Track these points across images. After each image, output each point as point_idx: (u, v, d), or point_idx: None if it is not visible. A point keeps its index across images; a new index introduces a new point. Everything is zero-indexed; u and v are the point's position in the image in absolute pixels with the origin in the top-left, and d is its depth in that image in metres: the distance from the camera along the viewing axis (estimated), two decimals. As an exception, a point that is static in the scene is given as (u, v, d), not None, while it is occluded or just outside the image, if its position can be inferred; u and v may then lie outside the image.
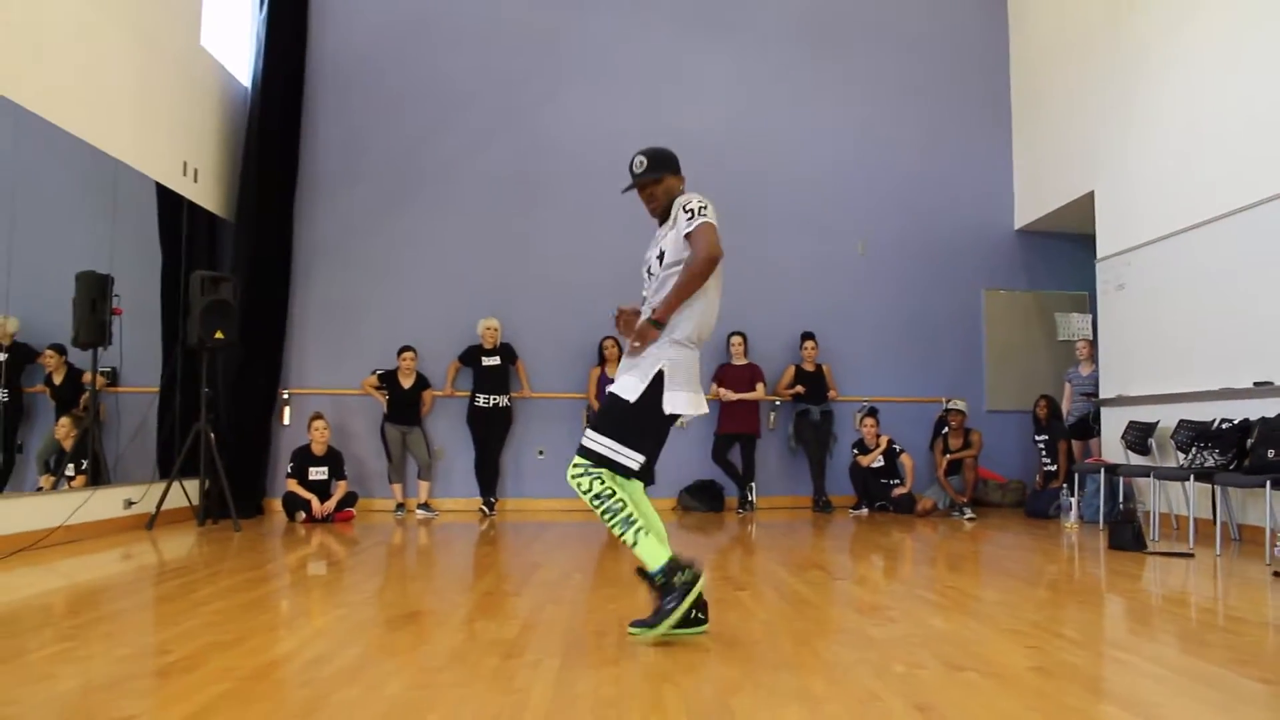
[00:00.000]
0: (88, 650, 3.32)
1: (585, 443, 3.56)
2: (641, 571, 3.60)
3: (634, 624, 3.60)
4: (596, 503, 3.51)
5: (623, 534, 3.50)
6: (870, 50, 10.88)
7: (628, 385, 3.57)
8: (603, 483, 3.52)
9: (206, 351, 7.80)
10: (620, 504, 3.50)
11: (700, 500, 9.83)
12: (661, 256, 3.67)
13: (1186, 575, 5.48)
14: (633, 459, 3.55)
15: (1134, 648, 3.55)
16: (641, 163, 3.72)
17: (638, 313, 3.75)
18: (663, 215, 3.77)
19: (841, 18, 10.88)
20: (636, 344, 3.61)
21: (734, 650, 3.40)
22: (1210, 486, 6.85)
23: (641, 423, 3.58)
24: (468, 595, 4.62)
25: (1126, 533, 6.52)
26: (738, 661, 3.24)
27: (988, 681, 2.97)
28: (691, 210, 3.61)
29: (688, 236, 3.59)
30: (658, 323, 3.58)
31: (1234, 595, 4.80)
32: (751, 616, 4.06)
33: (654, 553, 3.51)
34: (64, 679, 2.93)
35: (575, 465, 3.55)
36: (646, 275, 3.77)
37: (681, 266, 3.60)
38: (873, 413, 9.80)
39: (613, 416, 3.58)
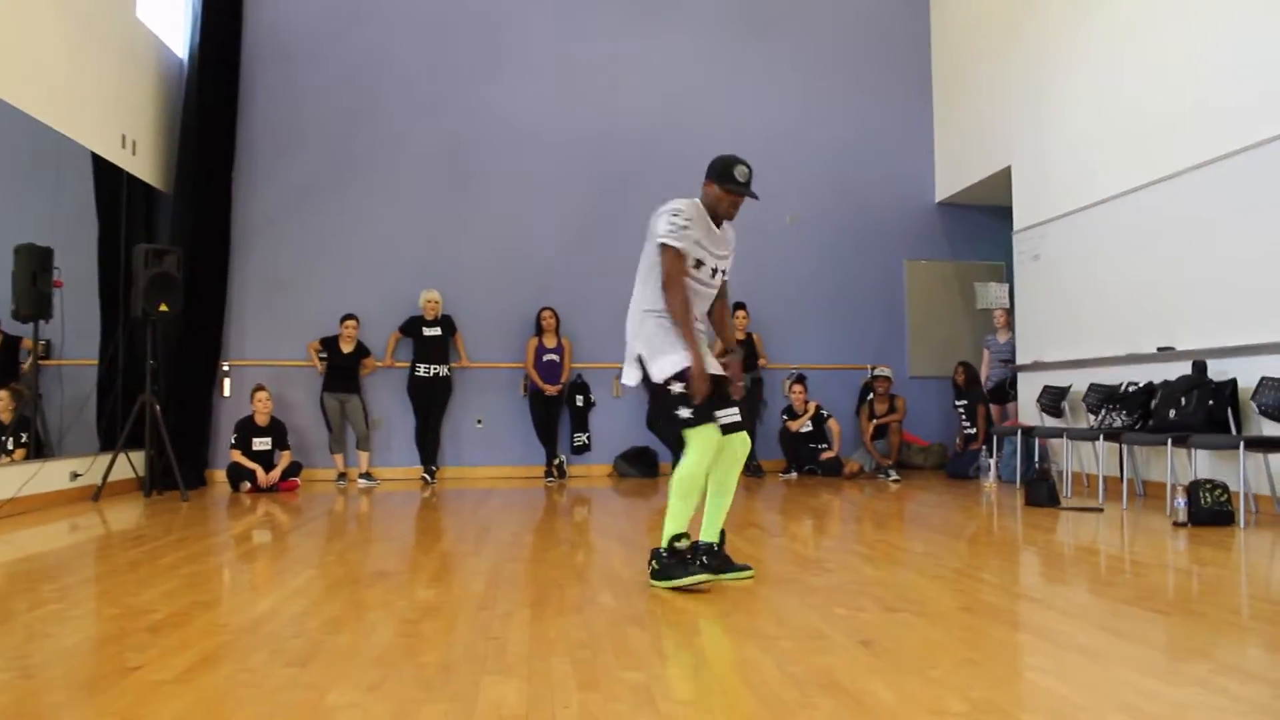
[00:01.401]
0: (76, 611, 3.49)
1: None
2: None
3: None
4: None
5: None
6: (797, 31, 11.17)
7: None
8: None
9: (150, 324, 7.85)
10: None
11: (635, 466, 10.12)
12: (722, 273, 4.16)
13: (1096, 528, 5.90)
14: None
15: (1048, 590, 3.92)
16: (748, 174, 3.99)
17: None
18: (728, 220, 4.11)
19: (769, 1, 11.14)
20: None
21: (686, 599, 3.68)
22: (1118, 446, 7.32)
23: None
24: (428, 556, 4.84)
25: (1042, 490, 6.96)
26: (691, 608, 3.52)
27: (920, 620, 3.29)
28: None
29: (726, 282, 4.23)
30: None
31: (1138, 544, 5.23)
32: (700, 570, 4.35)
33: None
34: (64, 637, 3.09)
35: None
36: (711, 274, 4.09)
37: (725, 300, 4.32)
38: (801, 379, 10.15)
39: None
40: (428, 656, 2.82)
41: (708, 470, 3.95)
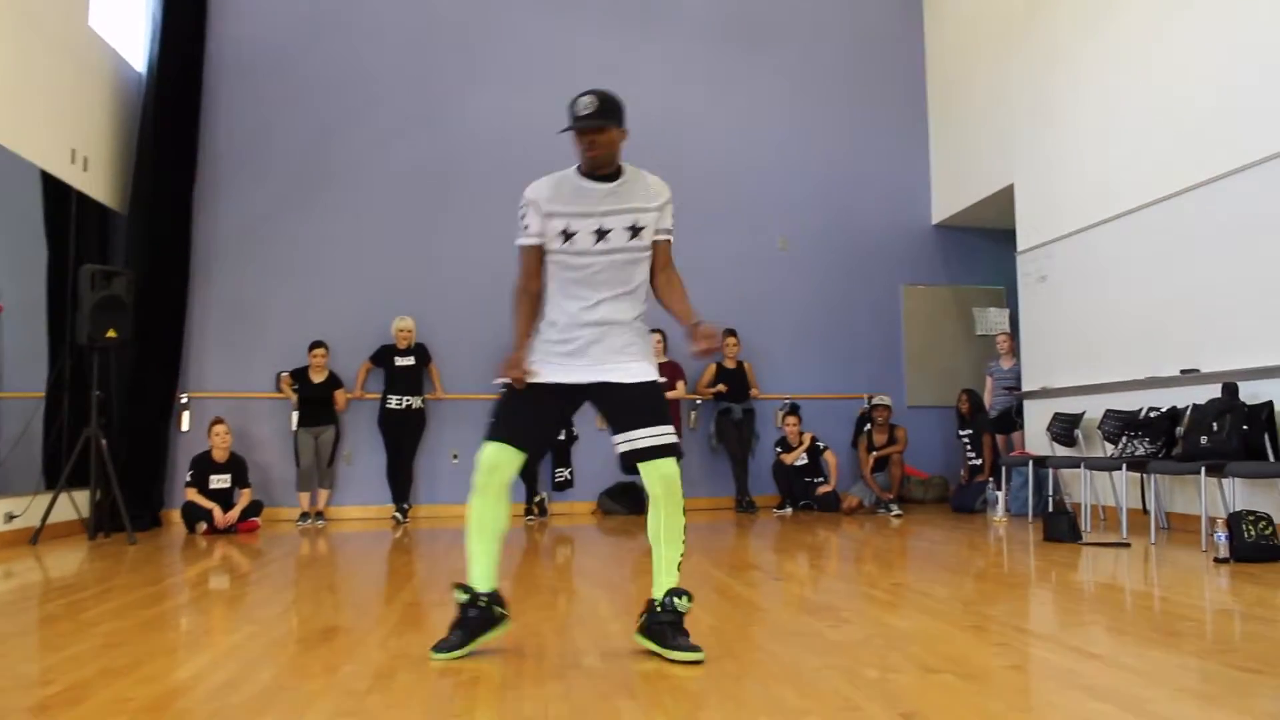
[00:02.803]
0: (-43, 682, 2.91)
1: (671, 440, 3.24)
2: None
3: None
4: (681, 502, 3.27)
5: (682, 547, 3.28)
6: (788, 47, 10.75)
7: (651, 373, 3.35)
8: None
9: (97, 351, 7.27)
10: None
11: (621, 503, 9.56)
12: (634, 230, 3.34)
13: (1128, 565, 5.39)
14: None
15: (1104, 641, 3.38)
16: (591, 104, 3.22)
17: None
18: (599, 167, 3.33)
19: (760, 15, 10.72)
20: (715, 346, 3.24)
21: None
22: (1139, 476, 6.82)
23: None
24: (389, 608, 4.27)
25: (1062, 524, 6.44)
26: (695, 671, 2.97)
27: (966, 684, 2.75)
28: (673, 215, 3.45)
29: (667, 243, 3.43)
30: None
31: (1184, 584, 4.70)
32: (698, 620, 3.79)
33: None
34: (-74, 717, 2.53)
35: (676, 466, 3.23)
36: (596, 238, 3.31)
37: (672, 272, 3.46)
38: (795, 410, 9.64)
39: (666, 407, 3.34)
40: (370, 743, 2.27)
41: (481, 501, 3.34)
